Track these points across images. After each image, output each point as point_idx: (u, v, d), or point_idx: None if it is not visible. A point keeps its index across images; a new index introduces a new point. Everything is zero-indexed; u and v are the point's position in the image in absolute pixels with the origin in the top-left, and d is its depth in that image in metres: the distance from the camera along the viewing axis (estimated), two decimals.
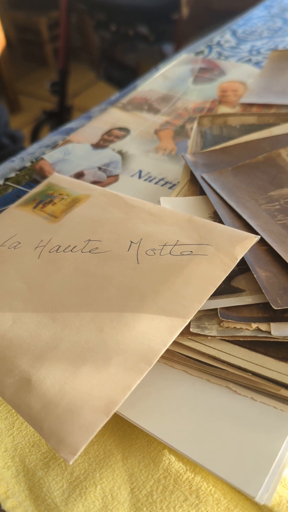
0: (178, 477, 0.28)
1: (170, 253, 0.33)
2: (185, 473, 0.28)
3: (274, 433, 0.27)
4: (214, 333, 0.30)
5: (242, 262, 0.33)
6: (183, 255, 0.33)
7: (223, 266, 0.32)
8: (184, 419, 0.29)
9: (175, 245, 0.34)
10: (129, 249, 0.35)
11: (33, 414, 0.27)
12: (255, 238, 0.33)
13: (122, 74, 1.91)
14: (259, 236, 0.33)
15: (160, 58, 1.74)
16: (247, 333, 0.30)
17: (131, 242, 0.35)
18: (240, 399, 0.29)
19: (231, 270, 0.31)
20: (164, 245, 0.34)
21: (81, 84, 2.34)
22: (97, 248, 0.36)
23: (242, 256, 0.32)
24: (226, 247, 0.33)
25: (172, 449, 0.28)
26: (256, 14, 0.82)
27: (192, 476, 0.28)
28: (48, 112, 1.82)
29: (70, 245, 0.37)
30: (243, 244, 0.33)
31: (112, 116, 0.59)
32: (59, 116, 1.82)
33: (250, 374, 0.29)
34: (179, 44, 1.67)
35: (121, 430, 0.30)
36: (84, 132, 0.56)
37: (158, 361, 0.32)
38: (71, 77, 1.84)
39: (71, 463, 0.25)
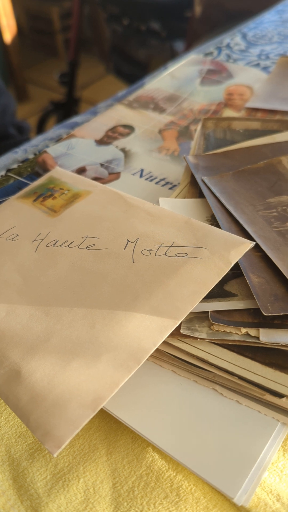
0: (160, 475, 0.28)
1: (165, 254, 0.34)
2: (167, 471, 0.28)
3: (256, 437, 0.28)
4: (204, 335, 0.31)
5: (236, 266, 0.34)
6: (178, 256, 0.33)
7: (217, 270, 0.32)
8: (169, 418, 0.29)
9: (171, 246, 0.34)
10: (125, 247, 0.35)
11: (21, 406, 0.27)
12: (250, 244, 0.33)
13: (132, 69, 1.90)
14: (254, 243, 0.33)
15: (171, 55, 1.74)
16: (236, 337, 0.30)
17: (128, 241, 0.36)
18: (225, 401, 0.30)
19: (224, 274, 0.32)
20: (160, 246, 0.35)
21: (90, 76, 2.34)
22: (94, 245, 0.36)
23: (236, 261, 0.32)
24: (221, 251, 0.33)
25: (156, 447, 0.29)
26: (267, 19, 0.82)
27: (174, 474, 0.28)
28: (56, 103, 1.82)
29: (67, 240, 0.37)
30: (238, 249, 0.33)
31: (118, 113, 0.59)
32: (66, 108, 1.82)
33: (237, 377, 0.29)
34: (191, 42, 1.67)
35: (107, 426, 0.31)
36: (89, 128, 0.57)
37: (147, 360, 0.32)
38: (81, 69, 1.83)
39: (55, 455, 0.25)
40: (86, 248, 0.36)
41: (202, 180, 0.42)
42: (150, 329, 0.29)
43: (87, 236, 0.37)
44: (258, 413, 0.29)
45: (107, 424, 0.31)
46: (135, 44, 1.88)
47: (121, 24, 1.83)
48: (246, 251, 0.33)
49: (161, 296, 0.31)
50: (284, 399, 0.28)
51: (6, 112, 1.03)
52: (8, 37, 2.11)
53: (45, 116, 1.80)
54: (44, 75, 2.44)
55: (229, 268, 0.32)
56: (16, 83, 2.30)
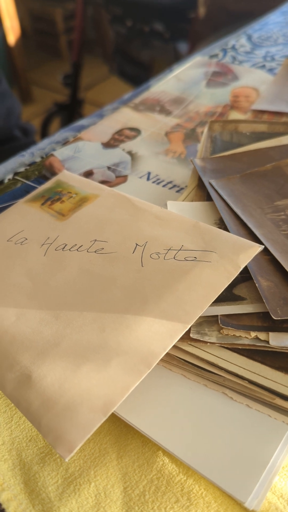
0: (171, 479, 0.28)
1: (174, 257, 0.34)
2: (177, 475, 0.28)
3: (266, 441, 0.28)
4: (213, 339, 0.31)
5: (245, 270, 0.34)
6: (187, 260, 0.34)
7: (226, 274, 0.32)
8: (179, 422, 0.29)
9: (180, 250, 0.34)
10: (134, 251, 0.35)
11: (32, 410, 0.27)
12: (259, 248, 0.33)
13: (135, 70, 1.91)
14: (263, 246, 0.34)
15: (174, 56, 1.74)
16: (246, 341, 0.30)
17: (137, 244, 0.36)
18: (235, 405, 0.30)
19: (233, 278, 0.32)
20: (168, 250, 0.35)
21: (94, 77, 2.34)
22: (103, 248, 0.36)
23: (245, 264, 0.32)
24: (230, 255, 0.33)
25: (166, 451, 0.29)
26: (272, 20, 0.82)
27: (185, 478, 0.28)
28: (60, 105, 1.82)
29: (76, 244, 0.37)
30: (247, 253, 0.33)
31: (124, 116, 0.59)
32: (70, 109, 1.83)
33: (247, 381, 0.29)
34: (194, 43, 1.67)
35: (118, 430, 0.31)
36: (95, 130, 0.57)
37: (157, 364, 0.32)
38: (84, 70, 1.84)
39: (67, 460, 0.25)
40: (95, 252, 0.36)
41: (210, 183, 0.42)
42: (160, 333, 0.30)
43: (95, 240, 0.37)
44: (268, 417, 0.29)
45: (117, 428, 0.31)
46: (138, 45, 1.88)
47: (124, 25, 1.83)
48: (255, 254, 0.33)
49: (171, 300, 0.31)
50: None
51: (11, 115, 1.03)
52: (11, 39, 2.11)
53: (49, 118, 1.80)
54: (48, 77, 2.44)
55: (238, 272, 0.32)
56: (20, 85, 2.30)
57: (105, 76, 2.33)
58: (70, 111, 1.81)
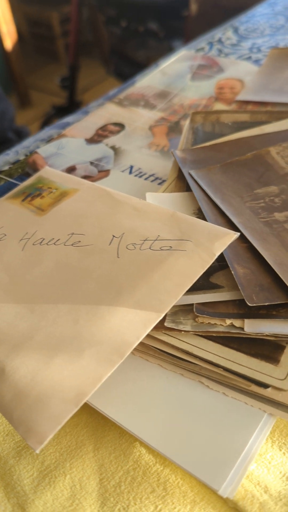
0: (147, 469, 0.28)
1: (150, 248, 0.34)
2: (154, 465, 0.28)
3: (243, 428, 0.28)
4: (188, 328, 0.31)
5: (223, 258, 0.34)
6: (162, 250, 0.33)
7: (201, 262, 0.32)
8: (156, 413, 0.29)
9: (156, 240, 0.34)
10: (110, 243, 0.35)
11: (5, 403, 0.27)
12: (234, 235, 0.33)
13: (132, 70, 1.90)
14: (239, 233, 0.33)
15: (170, 54, 1.74)
16: (221, 329, 0.30)
17: (113, 236, 0.36)
18: (212, 394, 0.29)
19: (209, 266, 0.32)
20: (145, 240, 0.34)
21: (91, 79, 2.34)
22: (80, 241, 0.36)
23: (220, 252, 0.32)
24: (205, 243, 0.33)
25: (143, 442, 0.29)
26: (259, 12, 0.81)
27: (161, 468, 0.28)
28: (58, 107, 1.82)
29: (53, 238, 0.37)
30: (222, 240, 0.33)
31: (109, 111, 0.59)
32: (68, 111, 1.83)
33: (222, 369, 0.29)
34: (189, 41, 1.67)
35: (95, 422, 0.31)
36: (79, 127, 0.57)
37: (133, 354, 0.32)
38: (81, 72, 1.84)
39: (37, 451, 0.25)
40: (72, 245, 0.36)
41: (189, 174, 0.41)
42: (134, 323, 0.29)
43: (73, 233, 0.37)
44: (244, 404, 0.29)
45: (94, 420, 0.31)
46: (134, 46, 1.88)
47: (119, 26, 1.83)
48: (230, 242, 0.33)
49: (145, 290, 0.31)
50: (269, 389, 0.28)
51: (4, 117, 1.04)
52: (8, 44, 2.12)
53: (47, 121, 1.81)
54: (46, 80, 2.45)
55: (213, 260, 0.32)
56: (18, 89, 2.31)
57: (103, 78, 2.34)
58: (68, 114, 1.82)
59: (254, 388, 0.28)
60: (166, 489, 0.27)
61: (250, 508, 0.26)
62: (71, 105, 1.83)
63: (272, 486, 0.27)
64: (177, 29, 1.72)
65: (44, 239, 0.37)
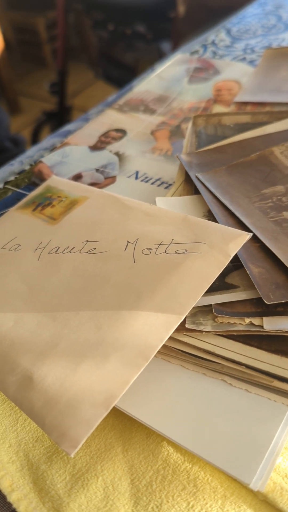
0: (177, 467, 0.29)
1: (165, 251, 0.35)
2: (183, 463, 0.29)
3: (268, 423, 0.28)
4: (209, 328, 0.31)
5: (236, 259, 0.34)
6: (178, 253, 0.34)
7: (217, 263, 0.33)
8: (181, 412, 0.30)
9: (170, 244, 0.35)
10: (125, 248, 0.36)
11: (36, 410, 0.28)
12: (247, 236, 0.34)
13: (121, 73, 1.91)
14: (252, 234, 0.34)
15: (158, 56, 1.74)
16: (241, 328, 0.31)
17: (128, 242, 0.36)
18: (235, 391, 0.30)
19: (224, 267, 0.32)
20: (159, 244, 0.35)
21: (80, 83, 2.35)
22: (95, 248, 0.37)
23: (235, 253, 0.33)
24: (219, 245, 0.34)
25: (171, 441, 0.29)
26: (250, 12, 0.82)
27: (190, 466, 0.29)
28: (48, 113, 1.83)
29: (68, 246, 0.38)
30: (236, 241, 0.34)
31: (109, 118, 0.60)
32: (59, 117, 1.83)
33: (244, 367, 0.30)
34: (177, 42, 1.68)
35: (122, 424, 0.31)
36: (82, 134, 0.57)
37: (156, 356, 0.33)
38: (70, 77, 1.85)
39: (72, 455, 0.26)
40: (87, 252, 0.37)
41: (196, 177, 0.42)
42: (156, 326, 0.30)
43: (87, 241, 0.38)
44: (267, 400, 0.29)
45: (121, 422, 0.31)
46: (122, 48, 1.89)
47: (106, 29, 1.84)
48: (244, 242, 0.34)
49: (164, 293, 0.32)
50: None
51: (0, 127, 1.04)
52: None
53: (38, 127, 1.81)
54: (35, 86, 2.45)
55: (229, 261, 0.33)
56: (7, 96, 2.31)
57: (91, 81, 2.34)
58: (59, 119, 1.82)
59: (276, 383, 0.29)
60: (196, 486, 0.28)
61: (280, 500, 0.27)
62: (62, 110, 1.84)
63: None
64: (164, 31, 1.73)
65: (59, 247, 0.38)
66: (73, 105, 1.90)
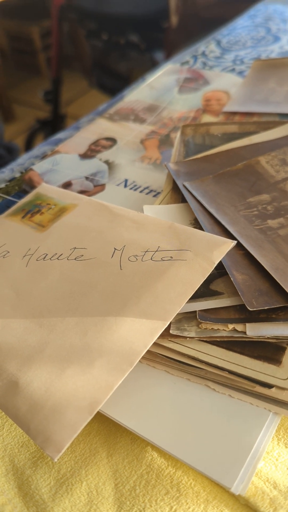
0: (160, 472, 0.29)
1: (151, 259, 0.35)
2: (166, 468, 0.29)
3: (249, 428, 0.29)
4: (193, 334, 0.32)
5: (221, 266, 0.35)
6: (163, 260, 0.35)
7: (202, 270, 0.33)
8: (165, 417, 0.30)
9: (156, 251, 0.36)
10: (112, 255, 0.36)
11: (21, 415, 0.28)
12: (232, 243, 0.34)
13: (114, 82, 1.93)
14: (236, 241, 0.35)
15: (152, 65, 1.76)
16: (224, 334, 0.31)
17: (115, 249, 0.37)
18: (218, 396, 0.31)
19: (209, 274, 0.33)
20: (146, 251, 0.36)
21: (74, 92, 2.36)
22: (82, 255, 0.37)
23: (219, 260, 0.34)
24: (204, 252, 0.34)
25: (155, 446, 0.30)
26: (240, 24, 0.84)
27: (174, 470, 0.29)
28: (42, 121, 1.84)
29: (56, 253, 0.38)
30: (220, 249, 0.34)
31: (100, 127, 0.60)
32: (52, 125, 1.84)
33: (227, 372, 0.30)
34: (170, 52, 1.69)
35: (107, 429, 0.32)
36: (72, 143, 0.58)
37: (141, 362, 0.33)
38: (64, 85, 1.86)
39: (56, 460, 0.26)
40: (75, 259, 0.37)
41: (184, 185, 0.43)
42: (141, 332, 0.31)
43: (75, 248, 0.38)
44: (250, 405, 0.30)
45: (106, 427, 0.32)
46: (115, 58, 1.90)
47: (100, 39, 1.85)
48: (228, 250, 0.34)
49: (150, 300, 0.32)
50: (273, 389, 0.29)
51: None
52: None
53: (32, 135, 1.82)
54: (29, 94, 2.47)
55: (213, 268, 0.33)
56: (2, 104, 2.32)
57: (85, 90, 2.36)
58: (52, 127, 1.83)
59: (259, 388, 0.30)
60: (179, 490, 0.28)
61: (261, 504, 0.27)
62: (56, 118, 1.85)
63: (281, 482, 0.28)
64: (158, 41, 1.74)
65: (47, 254, 0.38)
66: (67, 113, 1.92)
